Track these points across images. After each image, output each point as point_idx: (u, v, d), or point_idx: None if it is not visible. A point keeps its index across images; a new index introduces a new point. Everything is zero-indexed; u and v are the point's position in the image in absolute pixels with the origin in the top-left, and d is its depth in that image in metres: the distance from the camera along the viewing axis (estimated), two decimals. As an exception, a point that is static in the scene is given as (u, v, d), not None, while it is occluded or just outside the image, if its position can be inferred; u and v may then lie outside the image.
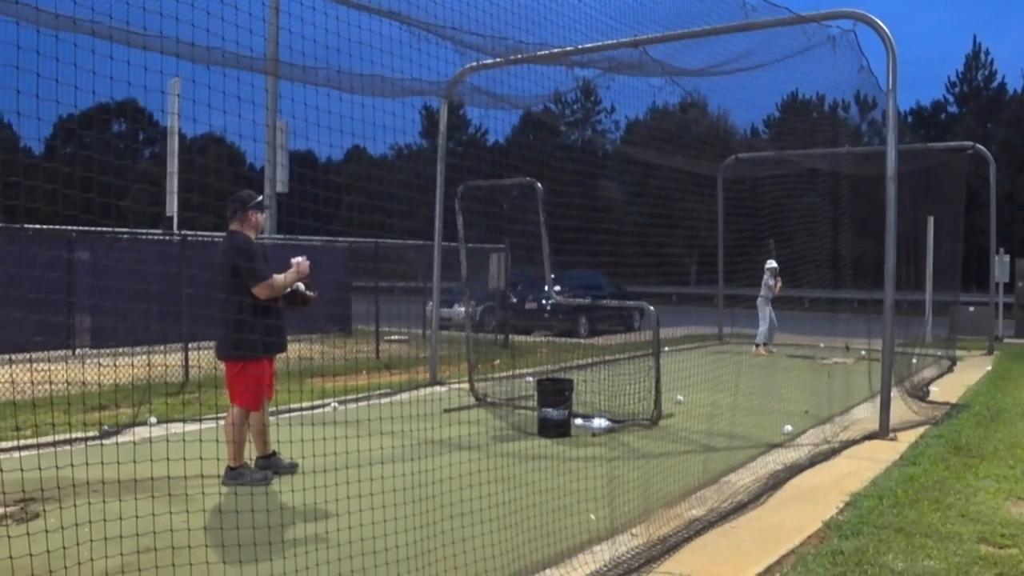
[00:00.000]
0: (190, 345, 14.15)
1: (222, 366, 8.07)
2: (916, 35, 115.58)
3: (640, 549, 5.92)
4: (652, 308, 11.92)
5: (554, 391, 10.37)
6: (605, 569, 5.52)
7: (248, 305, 7.53)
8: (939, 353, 18.74)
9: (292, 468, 7.90)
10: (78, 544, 4.79)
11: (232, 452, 7.66)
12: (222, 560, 5.36)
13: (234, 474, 7.62)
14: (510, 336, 21.49)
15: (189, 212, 16.67)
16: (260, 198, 8.13)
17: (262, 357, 7.74)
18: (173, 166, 16.45)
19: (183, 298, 13.32)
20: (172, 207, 16.63)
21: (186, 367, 13.99)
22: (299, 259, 7.86)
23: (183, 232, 15.43)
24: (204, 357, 13.86)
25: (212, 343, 8.58)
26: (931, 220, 20.30)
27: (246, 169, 29.59)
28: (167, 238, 15.61)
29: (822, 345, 21.52)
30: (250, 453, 7.96)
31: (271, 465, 8.05)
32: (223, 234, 8.15)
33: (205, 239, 14.93)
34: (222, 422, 8.02)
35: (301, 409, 10.94)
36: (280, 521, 5.68)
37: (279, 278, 7.68)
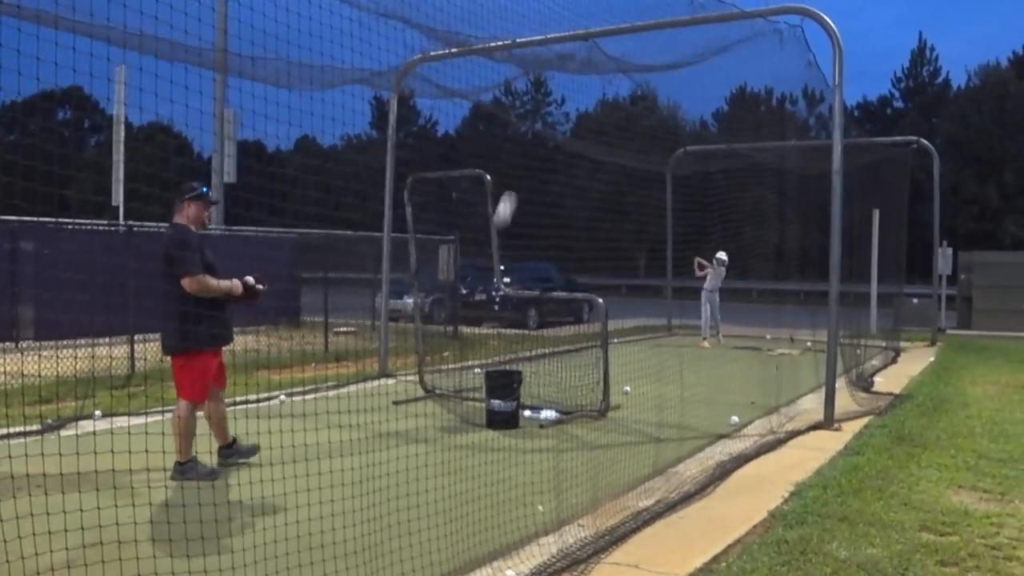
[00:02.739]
0: (136, 337, 13.98)
1: (168, 359, 8.01)
2: (864, 30, 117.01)
3: (588, 540, 5.95)
4: (601, 300, 11.96)
5: (502, 383, 10.40)
6: (553, 560, 5.54)
7: (190, 297, 7.42)
8: (884, 344, 19.00)
9: (253, 451, 7.92)
10: (20, 537, 4.72)
11: (180, 446, 7.54)
12: (169, 554, 5.32)
13: (182, 469, 7.51)
14: (460, 328, 21.47)
15: (135, 202, 16.47)
16: (197, 190, 7.97)
17: (207, 349, 7.68)
18: (119, 155, 16.25)
19: (129, 290, 13.15)
20: (118, 197, 16.42)
21: (132, 360, 13.83)
22: (249, 280, 7.83)
23: (129, 223, 15.24)
24: (150, 349, 13.71)
25: (158, 335, 8.51)
26: (876, 213, 20.58)
27: (193, 159, 29.35)
28: (112, 229, 15.41)
29: (768, 336, 21.70)
30: (210, 445, 7.91)
31: (233, 452, 8.03)
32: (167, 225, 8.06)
33: (151, 230, 14.76)
34: (169, 415, 7.95)
35: (248, 402, 10.88)
36: (228, 514, 5.64)
37: (213, 282, 7.56)
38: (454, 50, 12.04)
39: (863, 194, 18.60)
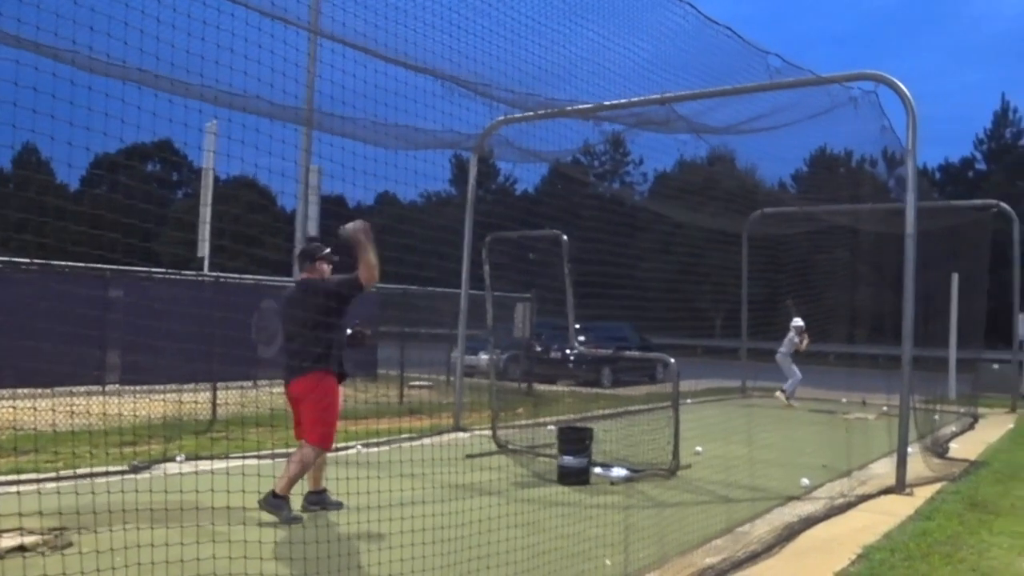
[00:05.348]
0: (218, 384, 14.36)
1: (249, 405, 8.27)
2: (947, 91, 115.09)
3: (652, 594, 6.06)
4: (673, 360, 12.03)
5: (574, 439, 10.51)
6: (618, 612, 5.66)
7: (335, 327, 7.84)
8: (961, 410, 18.72)
9: (338, 506, 8.06)
10: (113, 568, 4.98)
11: (285, 483, 7.69)
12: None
13: (275, 503, 7.65)
14: (534, 385, 21.60)
15: (220, 254, 16.92)
16: (328, 250, 8.36)
17: (336, 373, 7.95)
18: (206, 212, 16.78)
19: (212, 338, 13.54)
20: (204, 249, 16.92)
21: (214, 406, 14.21)
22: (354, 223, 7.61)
23: (216, 274, 15.69)
24: (232, 396, 14.06)
25: (240, 383, 8.78)
26: (955, 277, 20.37)
27: (277, 211, 30.01)
28: (199, 279, 15.87)
29: (844, 400, 21.53)
30: (301, 488, 8.14)
31: (321, 501, 8.22)
32: (251, 277, 8.35)
33: (236, 281, 15.20)
34: (249, 461, 8.20)
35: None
36: (304, 557, 5.85)
37: (372, 257, 7.52)
38: (538, 112, 12.28)
39: (942, 258, 18.46)
